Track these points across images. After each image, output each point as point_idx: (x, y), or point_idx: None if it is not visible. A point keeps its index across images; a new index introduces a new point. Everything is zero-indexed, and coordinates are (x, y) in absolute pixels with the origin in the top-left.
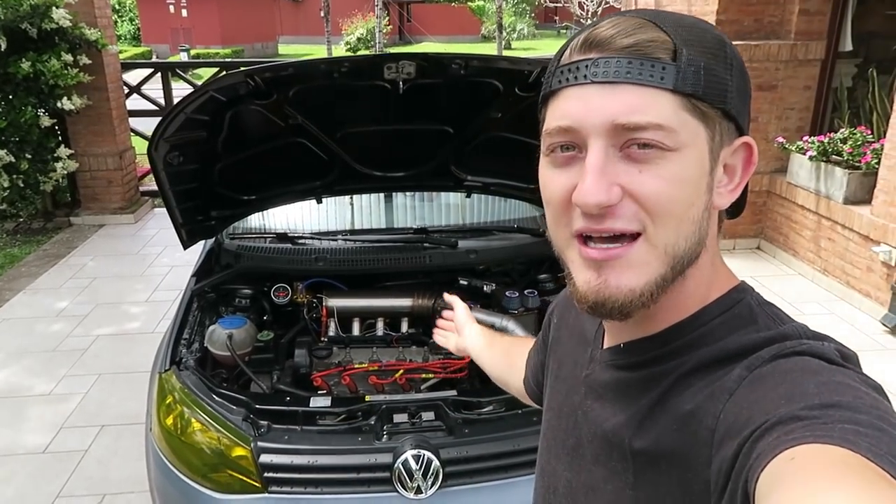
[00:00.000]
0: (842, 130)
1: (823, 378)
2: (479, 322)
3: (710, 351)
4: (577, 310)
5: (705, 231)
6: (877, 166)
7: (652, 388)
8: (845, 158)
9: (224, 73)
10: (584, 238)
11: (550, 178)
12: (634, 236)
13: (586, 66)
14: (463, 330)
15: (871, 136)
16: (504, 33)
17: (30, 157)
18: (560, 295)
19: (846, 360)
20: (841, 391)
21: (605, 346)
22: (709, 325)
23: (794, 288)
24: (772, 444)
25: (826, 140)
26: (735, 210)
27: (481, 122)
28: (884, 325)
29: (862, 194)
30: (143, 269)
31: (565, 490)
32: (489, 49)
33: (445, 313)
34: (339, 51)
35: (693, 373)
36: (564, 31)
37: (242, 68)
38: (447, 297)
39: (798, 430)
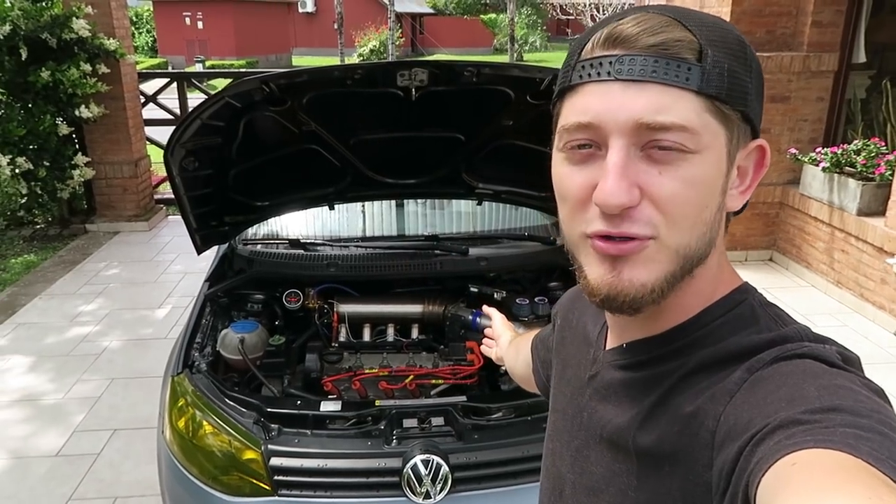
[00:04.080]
0: (855, 142)
1: (824, 381)
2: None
3: (712, 352)
4: (580, 312)
5: (716, 232)
6: (891, 178)
7: (654, 388)
8: (859, 170)
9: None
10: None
11: (567, 175)
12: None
13: (610, 63)
14: (499, 339)
15: (884, 147)
16: (516, 45)
17: (48, 164)
18: (562, 298)
19: (848, 362)
20: (842, 395)
21: (608, 348)
22: (710, 326)
23: (807, 300)
24: (773, 449)
25: (839, 151)
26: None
27: (493, 129)
28: None
29: (876, 206)
30: (156, 275)
31: (571, 492)
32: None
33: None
34: (353, 62)
35: (694, 373)
36: None
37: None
38: (486, 309)
39: (799, 434)
